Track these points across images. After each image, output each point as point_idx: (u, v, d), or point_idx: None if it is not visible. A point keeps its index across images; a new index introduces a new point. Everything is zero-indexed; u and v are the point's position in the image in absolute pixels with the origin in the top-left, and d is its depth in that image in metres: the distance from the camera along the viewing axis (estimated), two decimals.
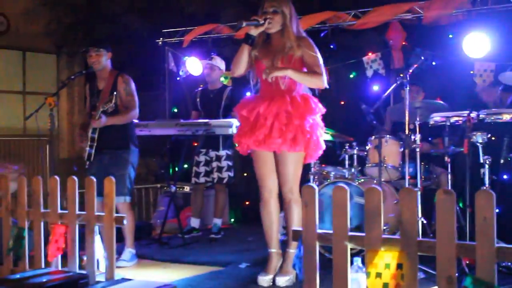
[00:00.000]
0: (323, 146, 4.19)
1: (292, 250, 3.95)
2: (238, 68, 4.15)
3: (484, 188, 4.29)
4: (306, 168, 4.29)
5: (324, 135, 4.24)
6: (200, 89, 6.57)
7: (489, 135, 4.58)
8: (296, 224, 3.90)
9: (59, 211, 3.86)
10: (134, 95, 5.11)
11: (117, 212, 3.70)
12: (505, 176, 4.77)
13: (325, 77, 4.09)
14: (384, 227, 4.97)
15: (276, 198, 4.22)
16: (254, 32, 4.02)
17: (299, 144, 4.01)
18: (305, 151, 4.10)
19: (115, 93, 4.92)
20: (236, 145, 4.41)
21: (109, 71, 5.14)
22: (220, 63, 6.43)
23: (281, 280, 4.04)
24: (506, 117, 4.43)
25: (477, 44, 5.92)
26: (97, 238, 3.70)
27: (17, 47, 10.64)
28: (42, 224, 3.99)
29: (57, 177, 3.91)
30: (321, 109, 4.17)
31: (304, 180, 4.19)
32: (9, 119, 10.69)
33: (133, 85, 5.13)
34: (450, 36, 6.54)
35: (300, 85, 4.16)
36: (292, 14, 4.12)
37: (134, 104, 5.08)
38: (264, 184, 4.20)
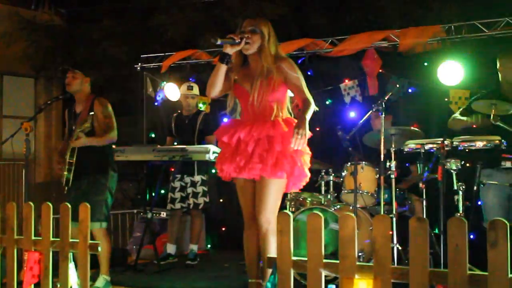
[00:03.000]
0: (308, 174, 3.90)
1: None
2: (214, 89, 3.85)
3: (458, 215, 4.33)
4: (283, 194, 4.14)
5: (308, 163, 3.90)
6: (175, 115, 6.58)
7: (463, 162, 4.65)
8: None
9: (33, 237, 3.82)
10: (111, 117, 5.04)
11: (92, 238, 3.66)
12: (479, 203, 4.82)
13: (311, 98, 3.85)
14: (360, 254, 4.98)
15: None
16: (230, 50, 3.75)
17: (281, 171, 3.73)
18: (288, 179, 3.82)
19: (91, 113, 4.87)
20: (215, 171, 4.24)
21: (86, 95, 5.10)
22: (197, 90, 6.49)
23: None
24: (479, 144, 4.49)
25: (451, 72, 6.04)
26: (71, 265, 3.66)
27: None
28: (15, 250, 3.93)
29: (31, 203, 3.86)
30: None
31: (281, 206, 4.05)
32: None
33: (110, 108, 5.06)
34: (425, 64, 6.65)
35: (284, 108, 3.94)
36: (271, 35, 3.87)
37: (112, 126, 5.00)
38: (247, 213, 3.94)
